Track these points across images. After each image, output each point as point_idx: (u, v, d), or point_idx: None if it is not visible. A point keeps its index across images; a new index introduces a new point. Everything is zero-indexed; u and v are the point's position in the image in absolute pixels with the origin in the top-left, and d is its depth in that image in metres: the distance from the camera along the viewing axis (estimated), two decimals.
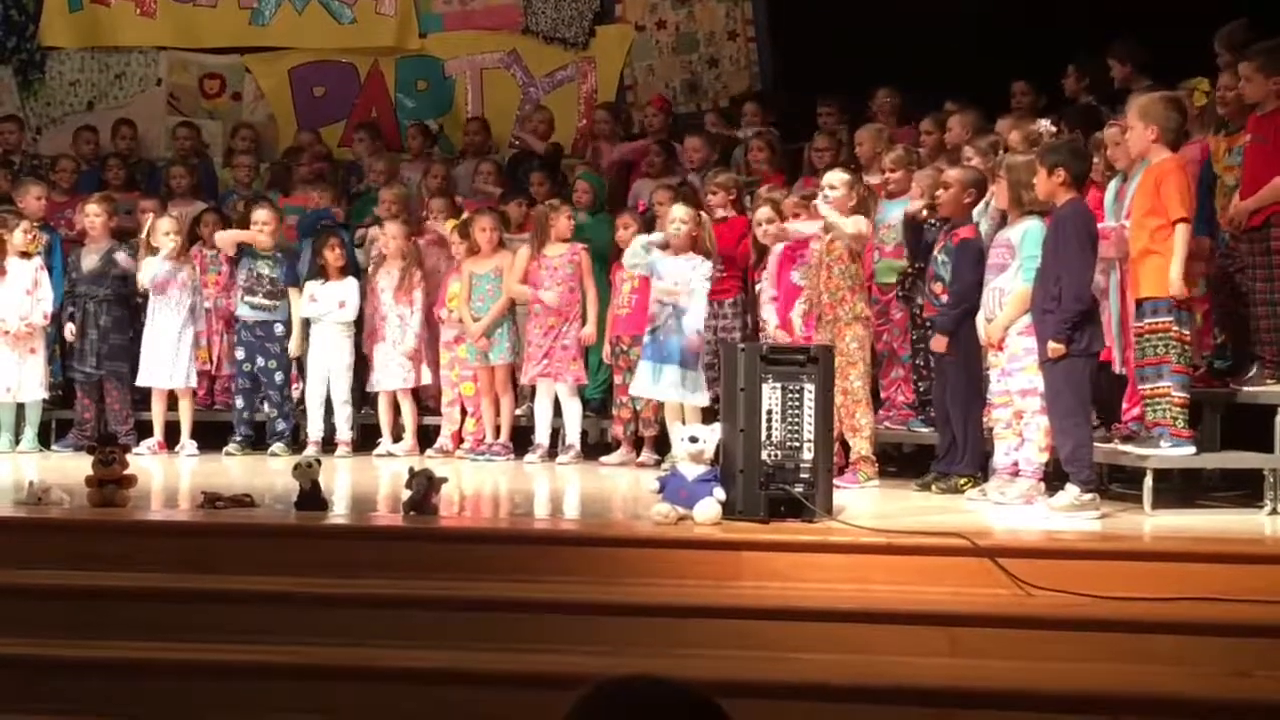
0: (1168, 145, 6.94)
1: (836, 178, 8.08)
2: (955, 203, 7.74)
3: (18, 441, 9.78)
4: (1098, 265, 7.03)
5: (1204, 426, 7.38)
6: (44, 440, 9.92)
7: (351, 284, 9.75)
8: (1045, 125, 7.96)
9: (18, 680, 5.49)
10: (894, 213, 8.55)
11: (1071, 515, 6.65)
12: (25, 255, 9.68)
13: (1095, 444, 7.00)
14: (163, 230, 9.64)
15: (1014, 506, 7.00)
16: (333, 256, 9.73)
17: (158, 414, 9.74)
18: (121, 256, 9.79)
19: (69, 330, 9.80)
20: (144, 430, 9.76)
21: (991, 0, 10.17)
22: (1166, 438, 6.89)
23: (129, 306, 9.86)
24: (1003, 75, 9.59)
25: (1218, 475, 7.72)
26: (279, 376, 9.79)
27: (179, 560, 6.31)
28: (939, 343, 7.64)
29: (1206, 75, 8.22)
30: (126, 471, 7.04)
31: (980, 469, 7.57)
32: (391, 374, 9.69)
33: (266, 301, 9.77)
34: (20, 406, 9.82)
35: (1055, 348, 6.71)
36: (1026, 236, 7.06)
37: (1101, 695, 5.23)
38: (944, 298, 7.68)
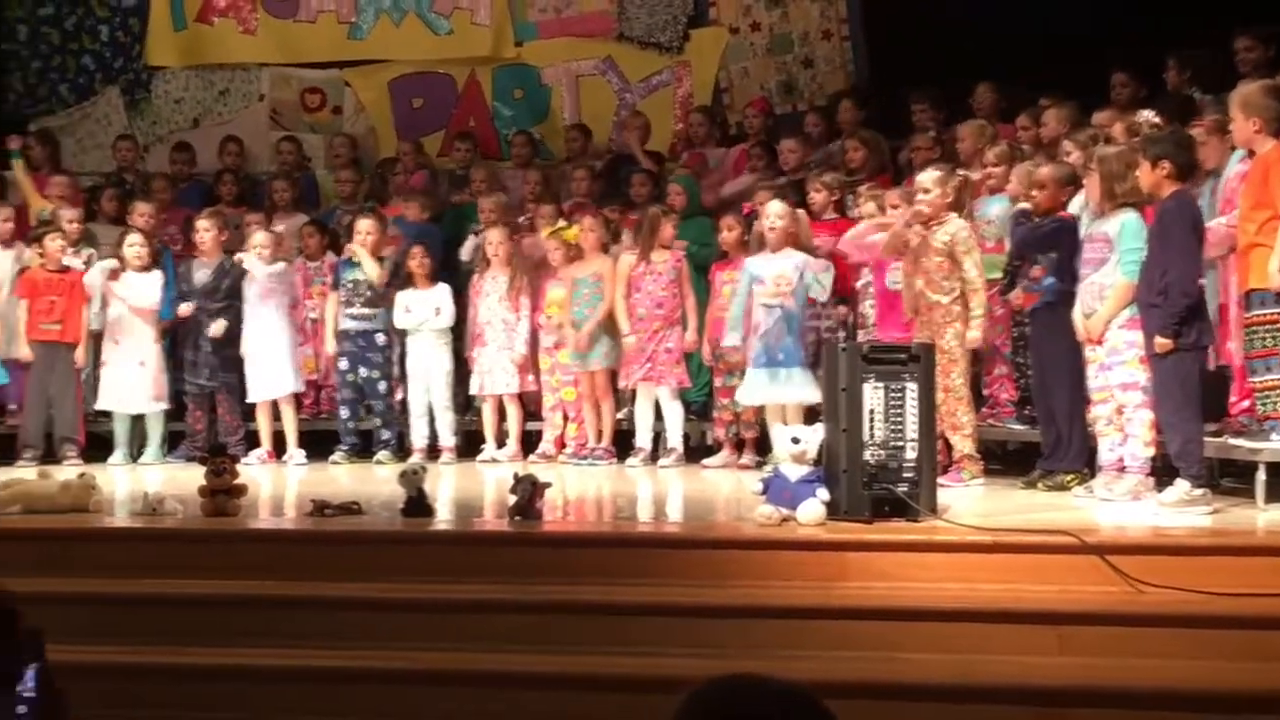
0: (1272, 135, 6.81)
1: (928, 178, 8.00)
2: (1052, 201, 7.67)
3: (136, 454, 9.96)
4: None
5: None
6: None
7: (444, 290, 9.82)
8: (1148, 116, 7.83)
9: (136, 688, 5.59)
10: (994, 208, 8.47)
11: (1181, 511, 6.56)
12: (144, 269, 9.85)
13: (1205, 438, 6.89)
14: (260, 243, 9.78)
15: (1122, 503, 6.92)
16: (416, 265, 9.81)
17: (265, 424, 9.89)
18: (215, 328, 9.87)
19: (216, 327, 9.86)
20: (253, 440, 9.89)
21: None
22: (1278, 430, 6.77)
23: (239, 320, 9.96)
24: (1102, 67, 9.45)
25: None
26: (382, 386, 9.88)
27: (289, 567, 6.39)
28: (1018, 297, 7.52)
29: None
30: (237, 481, 7.15)
31: (1087, 465, 7.48)
32: (497, 378, 9.75)
33: (366, 310, 9.85)
34: (136, 419, 10.00)
35: (1163, 342, 6.61)
36: (1125, 229, 6.97)
37: (1215, 694, 5.15)
38: (1042, 278, 7.60)
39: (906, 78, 10.76)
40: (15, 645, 2.50)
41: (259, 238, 9.84)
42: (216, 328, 9.82)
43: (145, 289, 9.89)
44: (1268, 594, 5.51)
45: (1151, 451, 7.00)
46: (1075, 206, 7.53)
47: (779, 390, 8.54)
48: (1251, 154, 7.02)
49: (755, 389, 8.64)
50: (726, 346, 8.82)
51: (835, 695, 5.32)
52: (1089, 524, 6.34)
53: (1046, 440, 7.79)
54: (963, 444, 7.82)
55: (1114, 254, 7.00)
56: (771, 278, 8.58)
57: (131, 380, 9.86)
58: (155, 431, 9.99)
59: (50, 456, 9.61)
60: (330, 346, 10.00)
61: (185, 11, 12.92)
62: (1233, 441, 7.03)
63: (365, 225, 9.89)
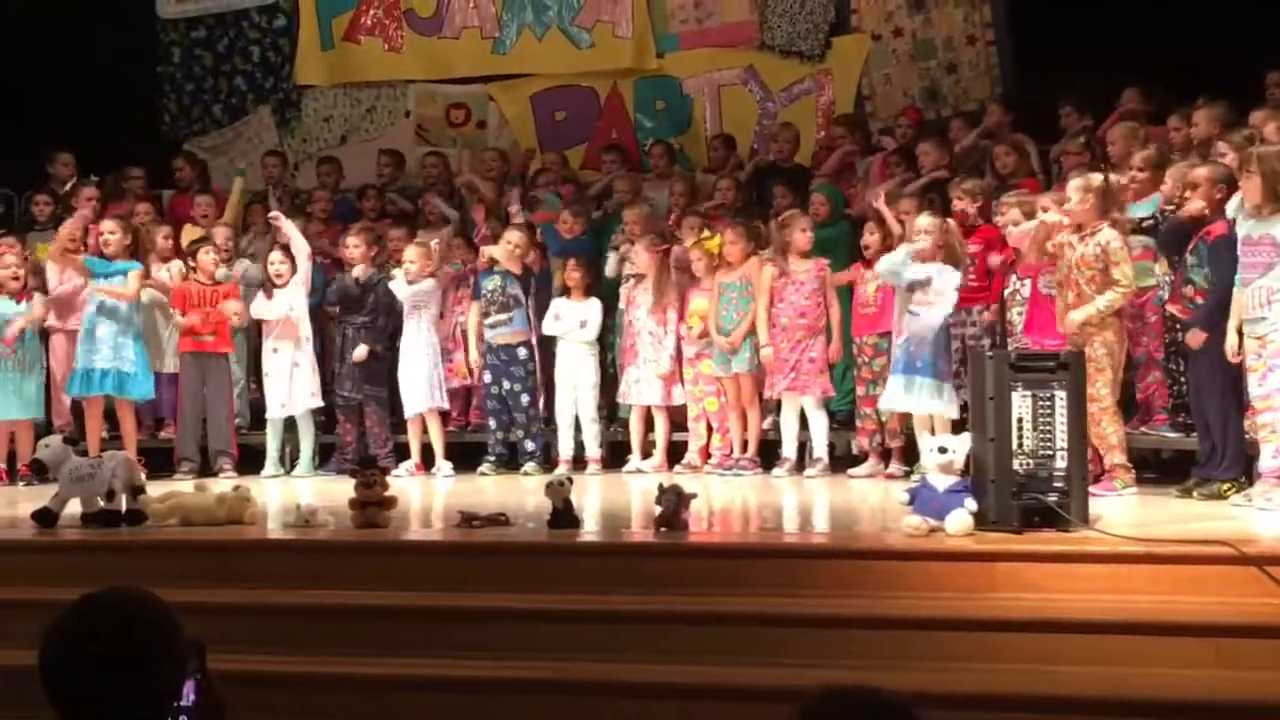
0: None
1: (1072, 186, 7.89)
2: (1206, 199, 7.51)
3: (289, 465, 10.18)
4: None
5: None
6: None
7: (595, 304, 9.89)
8: None
9: (287, 694, 5.70)
10: (1139, 214, 8.31)
11: None
12: (287, 284, 10.07)
13: None
14: (409, 258, 9.93)
15: None
16: (571, 277, 9.89)
17: (414, 437, 10.00)
18: (359, 353, 10.01)
19: (359, 352, 9.97)
20: (402, 453, 10.03)
21: None
22: None
23: (387, 332, 10.11)
24: (1257, 66, 9.26)
25: None
26: (524, 398, 9.92)
27: (437, 578, 6.48)
28: (1195, 338, 7.40)
29: None
30: (387, 493, 7.26)
31: (1244, 473, 7.33)
32: (644, 389, 9.79)
33: (501, 315, 9.91)
34: (289, 430, 10.20)
35: None
36: None
37: None
38: (1198, 300, 7.46)
39: (1053, 81, 10.61)
40: (177, 659, 2.56)
41: (410, 253, 9.95)
42: (359, 353, 9.96)
43: (286, 302, 10.08)
44: None
45: None
46: (1231, 210, 7.35)
47: (912, 400, 8.53)
48: None
49: (894, 396, 8.64)
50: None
51: (985, 708, 5.31)
52: (1247, 534, 6.21)
53: (1202, 448, 7.64)
54: (1111, 454, 7.68)
55: None
56: (920, 286, 8.54)
57: (288, 384, 10.05)
58: (306, 444, 10.18)
59: (206, 469, 9.84)
60: (474, 355, 10.10)
61: (333, 32, 13.17)
62: None
63: (514, 237, 9.94)
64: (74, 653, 2.50)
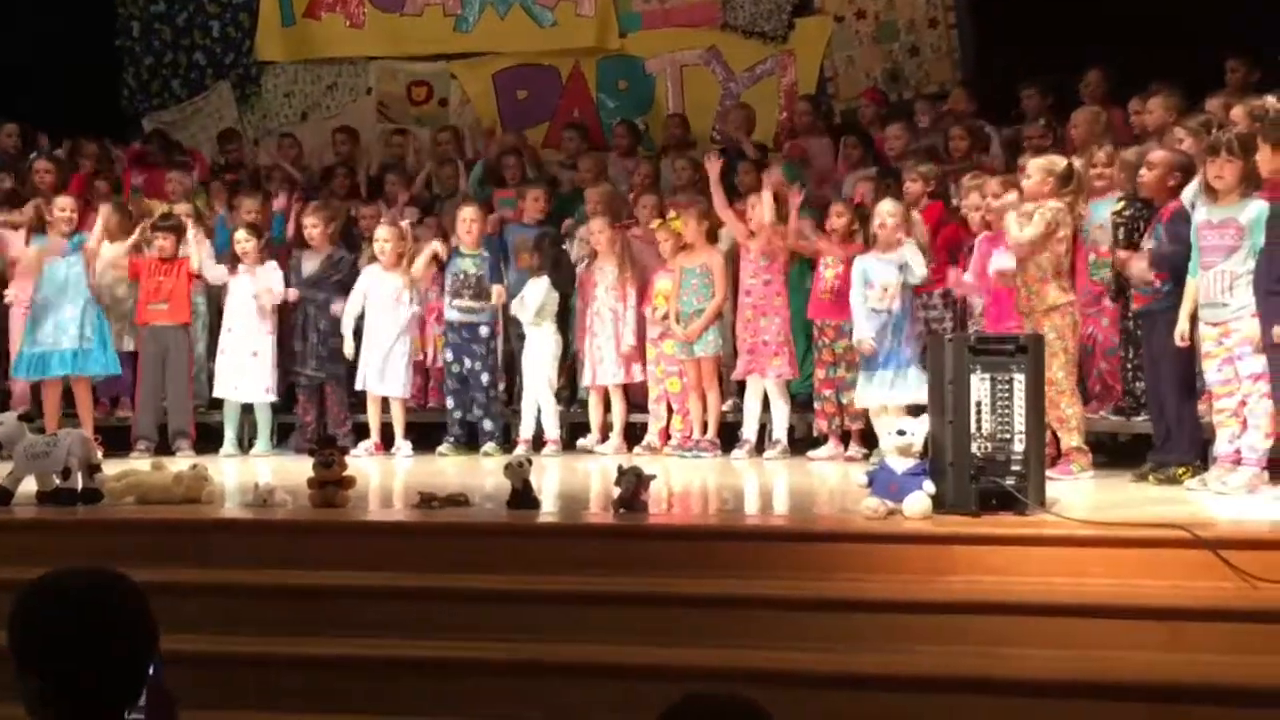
0: None
1: (1033, 164, 7.93)
2: (1159, 184, 7.55)
3: (246, 445, 10.13)
4: None
5: None
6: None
7: (541, 283, 9.82)
8: (1270, 101, 7.71)
9: (244, 675, 5.70)
10: (1101, 212, 8.35)
11: None
12: (257, 262, 10.01)
13: None
14: (382, 237, 9.88)
15: (1237, 496, 6.81)
16: (522, 258, 9.97)
17: (373, 416, 9.97)
18: (336, 307, 9.99)
19: (337, 307, 9.95)
20: (361, 432, 10.01)
21: None
22: None
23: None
24: (1214, 51, 9.32)
25: None
26: (485, 378, 9.89)
27: (396, 559, 6.47)
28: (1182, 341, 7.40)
29: None
30: (346, 473, 7.24)
31: (1199, 457, 7.38)
32: (605, 369, 9.79)
33: (473, 303, 9.89)
34: (246, 412, 10.17)
35: None
36: (1260, 216, 6.84)
37: None
38: (1158, 282, 7.51)
39: (1015, 64, 10.65)
40: (150, 631, 2.57)
41: (381, 233, 9.90)
42: (338, 307, 9.91)
43: (260, 281, 10.02)
44: None
45: (1270, 443, 6.90)
46: (1187, 195, 7.39)
47: (898, 392, 8.56)
48: None
49: (874, 390, 8.66)
50: (861, 340, 8.72)
51: (942, 690, 5.35)
52: (1202, 518, 6.26)
53: (1158, 432, 7.70)
54: (1069, 437, 7.74)
55: (1246, 242, 6.88)
56: (880, 284, 8.58)
57: (244, 369, 10.02)
58: (264, 423, 10.14)
59: (163, 448, 9.78)
60: (431, 337, 10.08)
61: (294, 7, 13.14)
62: None
63: (468, 213, 9.93)
64: (50, 617, 2.50)
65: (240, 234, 10.06)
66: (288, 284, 10.16)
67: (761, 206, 9.20)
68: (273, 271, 10.04)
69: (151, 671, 2.57)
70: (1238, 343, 6.96)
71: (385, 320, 9.88)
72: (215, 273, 10.12)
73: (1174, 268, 7.37)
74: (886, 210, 8.61)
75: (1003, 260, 8.11)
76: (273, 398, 10.11)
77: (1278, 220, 6.72)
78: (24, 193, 10.63)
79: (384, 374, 9.88)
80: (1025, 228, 7.64)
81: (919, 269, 8.54)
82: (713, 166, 9.52)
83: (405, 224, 10.16)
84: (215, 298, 10.46)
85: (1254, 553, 5.64)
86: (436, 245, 9.90)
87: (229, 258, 10.11)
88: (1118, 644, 5.44)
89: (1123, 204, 8.09)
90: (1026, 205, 7.80)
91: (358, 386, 9.96)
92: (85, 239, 9.82)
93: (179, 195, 10.88)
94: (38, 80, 11.67)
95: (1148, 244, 7.60)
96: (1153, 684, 5.20)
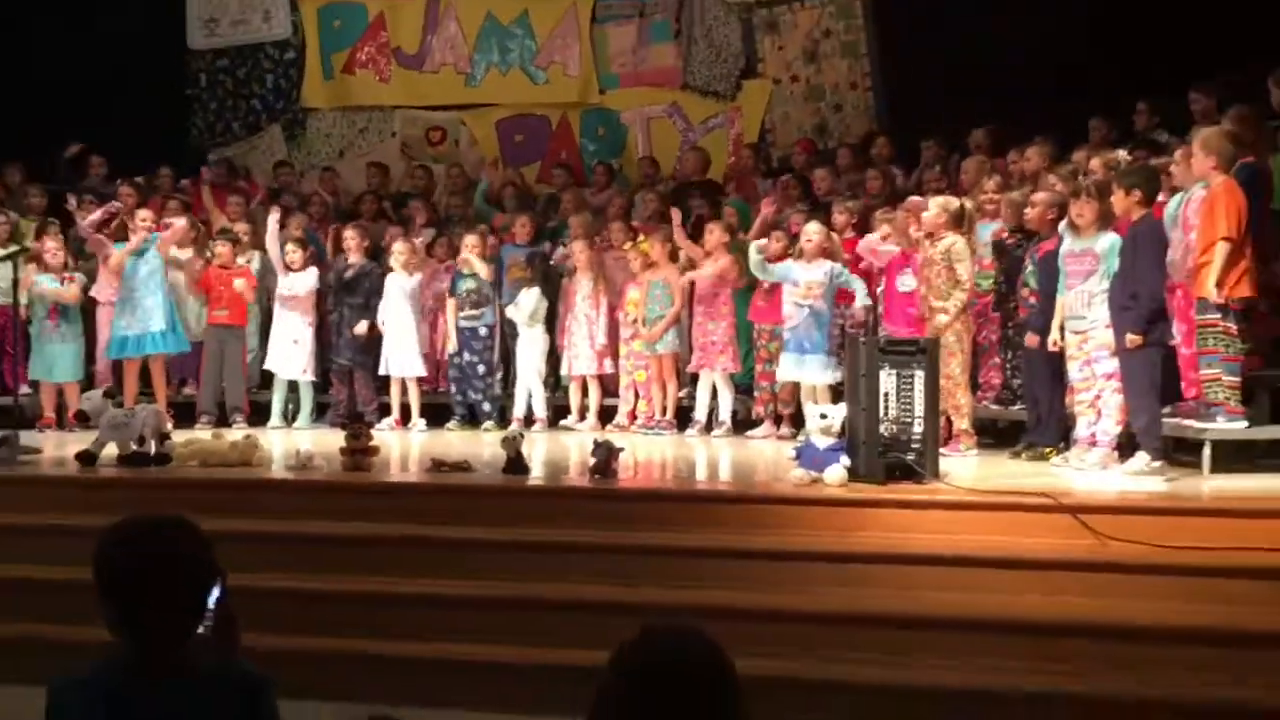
0: (1224, 171, 6.71)
1: (933, 201, 8.01)
2: (1041, 218, 7.61)
3: (290, 418, 10.05)
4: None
5: (1255, 404, 7.12)
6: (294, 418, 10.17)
7: (533, 292, 9.79)
8: (1121, 154, 7.79)
9: (289, 608, 5.66)
10: (986, 233, 8.39)
11: (1142, 478, 6.50)
12: (300, 268, 9.96)
13: (1163, 419, 6.82)
14: (399, 251, 9.85)
15: (1092, 471, 6.85)
16: (512, 272, 9.90)
17: (395, 397, 9.91)
18: (359, 329, 9.92)
19: (360, 328, 9.86)
20: (385, 410, 9.94)
21: (1068, 50, 9.90)
22: (1222, 413, 6.69)
23: (374, 311, 9.97)
24: (1080, 114, 9.36)
25: (1267, 445, 7.40)
26: (481, 368, 9.87)
27: (412, 513, 6.45)
28: (1033, 340, 7.48)
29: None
30: (371, 443, 7.23)
31: (1063, 440, 7.41)
32: (582, 362, 9.76)
33: (473, 311, 9.87)
34: (291, 390, 10.08)
35: (1134, 339, 6.57)
36: (1113, 247, 6.88)
37: (1167, 628, 5.11)
38: (1032, 300, 7.55)
39: (918, 121, 10.68)
40: (212, 566, 2.54)
41: (399, 246, 9.88)
42: (361, 328, 9.86)
43: (301, 283, 9.97)
44: (1212, 547, 5.44)
45: (1119, 429, 6.93)
46: (1062, 228, 7.40)
47: (804, 372, 8.59)
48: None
49: (786, 369, 8.70)
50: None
51: (855, 625, 5.34)
52: (1064, 488, 6.27)
53: (1030, 419, 7.72)
54: (960, 421, 7.77)
55: (1102, 267, 6.91)
56: (804, 282, 8.59)
57: (288, 352, 9.96)
58: (306, 402, 10.07)
59: (222, 421, 9.72)
60: (452, 345, 10.00)
61: (334, 64, 13.10)
62: (1185, 422, 6.94)
63: (470, 240, 9.91)
64: (131, 553, 2.47)
65: (289, 246, 10.00)
66: (327, 287, 10.12)
67: (716, 243, 9.21)
68: (311, 276, 9.98)
69: (217, 596, 2.54)
70: (1095, 348, 6.99)
71: (401, 316, 9.82)
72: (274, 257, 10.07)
73: (1045, 294, 7.41)
74: (812, 229, 8.65)
75: (907, 282, 8.18)
76: (311, 377, 10.04)
77: (1127, 249, 6.76)
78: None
79: (402, 360, 9.83)
80: (943, 314, 7.71)
81: (859, 287, 8.58)
82: (675, 214, 9.59)
83: (419, 240, 10.12)
84: (262, 297, 10.38)
85: (1105, 516, 5.69)
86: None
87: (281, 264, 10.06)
88: (996, 588, 5.47)
89: (1006, 232, 8.13)
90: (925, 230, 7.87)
91: (381, 372, 9.90)
92: (160, 237, 9.74)
93: (238, 215, 10.80)
94: (122, 121, 11.55)
95: (1028, 267, 7.63)
96: (1024, 620, 5.23)
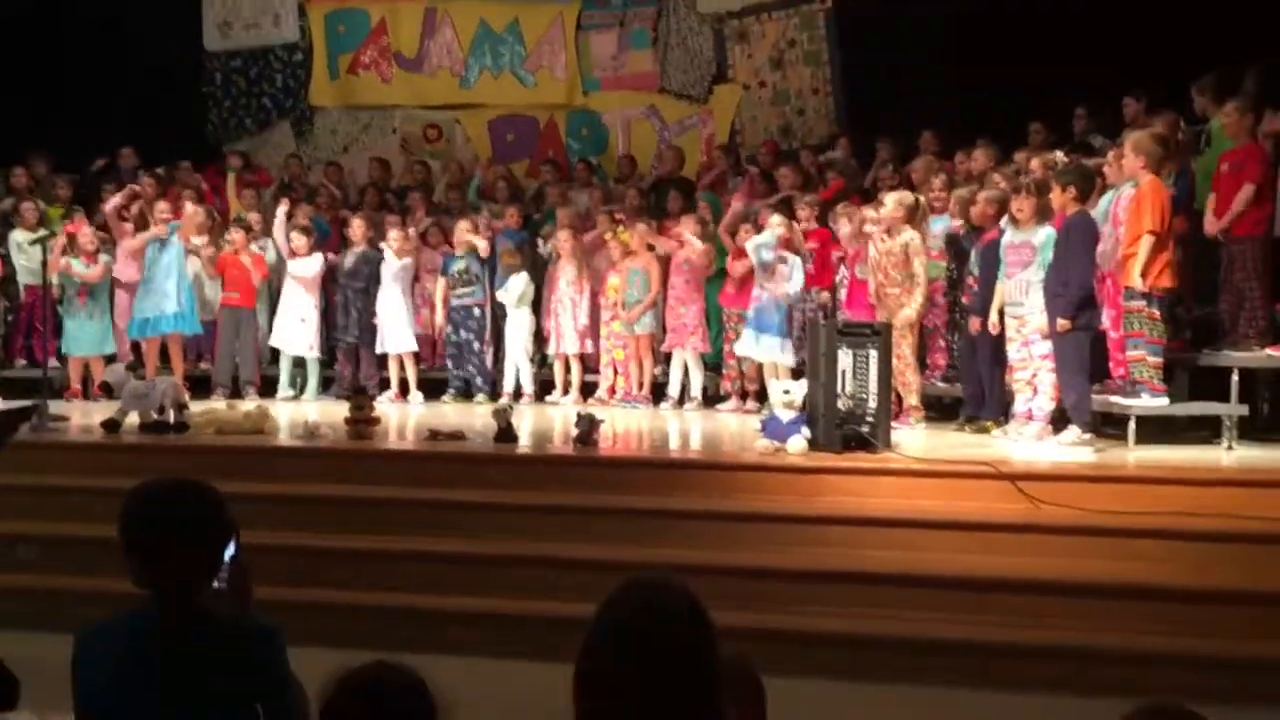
0: (1152, 171, 6.73)
1: (889, 198, 7.99)
2: (983, 213, 7.62)
3: (299, 391, 9.98)
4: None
5: (1176, 383, 7.17)
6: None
7: (521, 277, 9.75)
8: (1059, 155, 7.81)
9: (297, 563, 5.66)
10: (938, 227, 8.39)
11: (1073, 449, 6.54)
12: (307, 253, 9.88)
13: (1093, 395, 6.86)
14: (392, 238, 9.80)
15: (1028, 443, 6.88)
16: (504, 258, 9.82)
17: (394, 372, 9.88)
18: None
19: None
20: (385, 385, 9.89)
21: (1010, 59, 9.90)
22: (1146, 391, 6.73)
23: (375, 295, 9.92)
24: (1020, 117, 9.38)
25: (1187, 420, 7.47)
26: (476, 345, 9.84)
27: (410, 478, 6.45)
28: (975, 324, 7.50)
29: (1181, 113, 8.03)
30: (373, 414, 7.21)
31: (1003, 415, 7.44)
32: (565, 341, 9.74)
33: (465, 289, 9.82)
34: (298, 365, 10.01)
35: (1064, 323, 6.60)
36: (1049, 240, 6.90)
37: (1096, 584, 5.16)
38: (974, 286, 7.57)
39: (873, 123, 10.69)
40: (226, 523, 2.54)
41: (393, 234, 9.83)
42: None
43: (307, 267, 9.90)
44: (1136, 511, 5.50)
45: (1053, 405, 6.96)
46: (1004, 223, 7.42)
47: (761, 350, 8.61)
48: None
49: (746, 344, 8.73)
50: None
51: (813, 580, 5.36)
52: (1003, 458, 6.31)
53: (967, 394, 7.75)
54: (909, 397, 7.79)
55: (1038, 258, 6.93)
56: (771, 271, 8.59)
57: (296, 330, 9.89)
58: (313, 376, 10.01)
59: (235, 393, 9.67)
60: (440, 318, 9.97)
61: (339, 66, 12.99)
62: (1112, 398, 6.98)
63: (464, 225, 9.88)
64: (152, 512, 2.46)
65: (294, 234, 9.93)
66: (334, 272, 10.06)
67: (698, 245, 9.18)
68: (316, 261, 9.92)
69: (231, 553, 2.54)
70: (1031, 331, 7.02)
71: (393, 297, 9.79)
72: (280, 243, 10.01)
73: (984, 281, 7.42)
74: (775, 221, 8.64)
75: (864, 272, 8.20)
76: (316, 354, 9.97)
77: (1060, 242, 6.78)
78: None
79: (395, 337, 9.80)
80: (911, 301, 7.68)
81: (796, 286, 8.56)
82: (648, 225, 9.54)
83: (412, 230, 10.06)
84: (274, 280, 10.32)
85: (1040, 483, 5.74)
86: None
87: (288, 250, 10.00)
88: (941, 548, 5.51)
89: (962, 229, 8.12)
90: (882, 223, 7.87)
91: (378, 350, 9.86)
92: (179, 226, 9.66)
93: (252, 204, 10.72)
94: (142, 116, 11.46)
95: (973, 257, 7.64)
96: (967, 577, 5.27)
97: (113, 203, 9.87)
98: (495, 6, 12.75)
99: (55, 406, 8.00)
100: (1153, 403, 6.75)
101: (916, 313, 7.73)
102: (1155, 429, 7.01)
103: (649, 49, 12.45)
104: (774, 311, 8.55)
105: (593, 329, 9.76)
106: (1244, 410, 6.94)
